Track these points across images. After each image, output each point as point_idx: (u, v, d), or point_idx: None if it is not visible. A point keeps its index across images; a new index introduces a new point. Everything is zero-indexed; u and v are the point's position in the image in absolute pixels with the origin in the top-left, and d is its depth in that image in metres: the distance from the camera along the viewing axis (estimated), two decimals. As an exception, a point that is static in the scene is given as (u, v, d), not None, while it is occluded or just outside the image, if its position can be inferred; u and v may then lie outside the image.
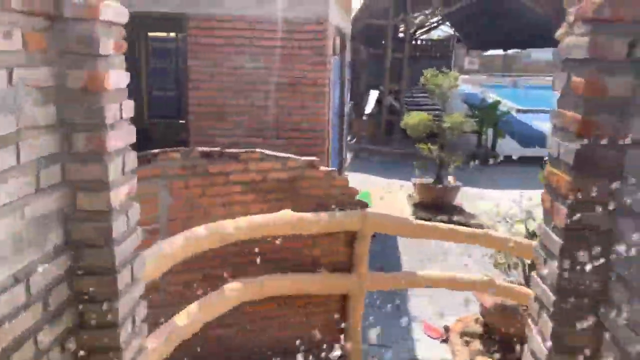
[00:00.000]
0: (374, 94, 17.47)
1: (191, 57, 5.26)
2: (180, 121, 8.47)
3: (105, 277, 1.67)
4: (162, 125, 9.29)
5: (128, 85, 1.77)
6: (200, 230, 2.95)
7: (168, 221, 3.56)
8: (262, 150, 3.70)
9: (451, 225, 3.90)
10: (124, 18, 1.71)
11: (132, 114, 1.80)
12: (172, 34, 10.70)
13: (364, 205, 3.90)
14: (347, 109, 8.77)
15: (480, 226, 8.69)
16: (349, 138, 11.54)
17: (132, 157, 1.81)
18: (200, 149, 3.56)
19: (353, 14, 11.04)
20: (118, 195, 1.69)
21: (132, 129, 1.81)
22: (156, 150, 3.43)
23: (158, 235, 3.59)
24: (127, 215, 1.77)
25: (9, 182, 1.36)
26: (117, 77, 1.67)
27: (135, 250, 1.87)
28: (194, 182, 3.55)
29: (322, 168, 3.87)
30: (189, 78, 5.33)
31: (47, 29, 1.50)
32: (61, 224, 1.60)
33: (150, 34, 9.98)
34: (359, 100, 17.05)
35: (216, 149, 3.63)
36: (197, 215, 3.58)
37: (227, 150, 3.62)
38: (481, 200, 10.20)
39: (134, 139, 1.82)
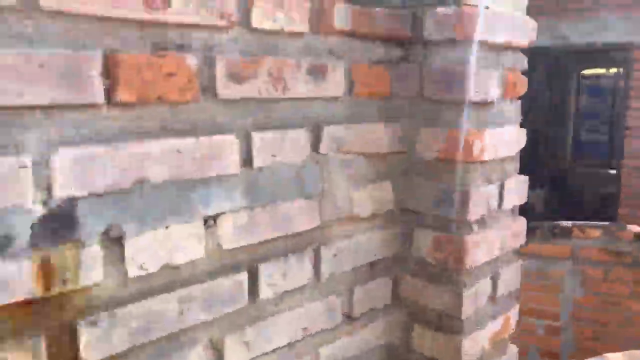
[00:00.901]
0: None
1: (634, 95, 4.10)
2: (610, 171, 7.31)
3: None
4: (585, 172, 8.17)
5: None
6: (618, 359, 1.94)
7: (572, 320, 2.63)
8: None
9: None
10: (527, 38, 1.00)
11: (522, 200, 1.06)
12: (605, 70, 9.42)
13: None
14: None
15: None
16: None
17: (512, 271, 1.07)
18: (634, 228, 2.49)
19: None
20: (478, 341, 0.98)
21: (521, 225, 1.07)
22: (568, 223, 2.56)
23: (557, 336, 2.70)
24: (491, 371, 1.04)
25: (295, 310, 0.83)
26: (501, 140, 0.97)
27: None
28: (618, 274, 2.51)
29: None
30: (626, 122, 4.17)
31: (397, 61, 0.93)
32: (381, 371, 1.00)
33: (583, 71, 9.00)
34: None
35: (660, 230, 2.49)
36: (617, 321, 2.53)
37: (680, 235, 2.44)
38: None
39: (521, 241, 1.08)
